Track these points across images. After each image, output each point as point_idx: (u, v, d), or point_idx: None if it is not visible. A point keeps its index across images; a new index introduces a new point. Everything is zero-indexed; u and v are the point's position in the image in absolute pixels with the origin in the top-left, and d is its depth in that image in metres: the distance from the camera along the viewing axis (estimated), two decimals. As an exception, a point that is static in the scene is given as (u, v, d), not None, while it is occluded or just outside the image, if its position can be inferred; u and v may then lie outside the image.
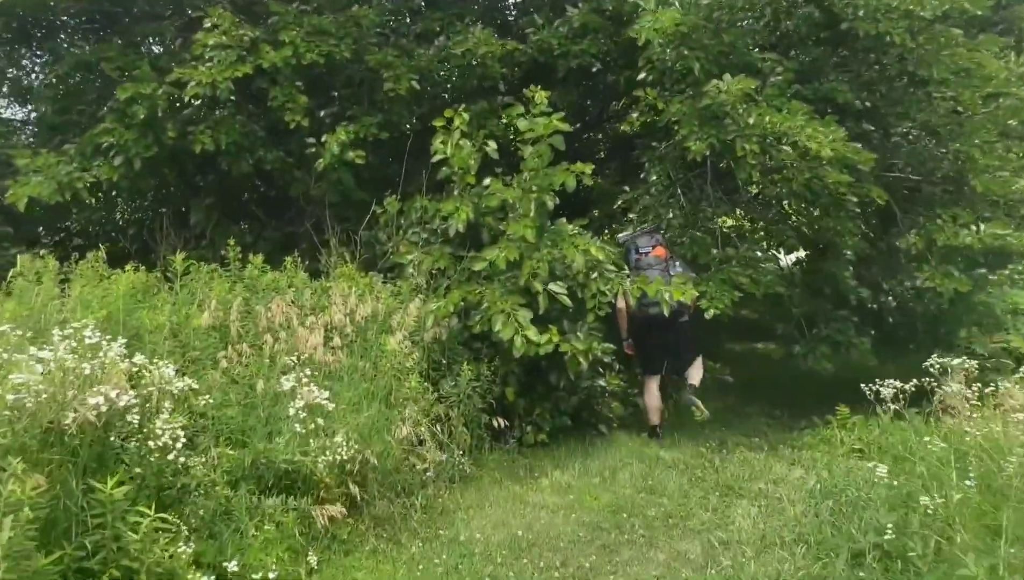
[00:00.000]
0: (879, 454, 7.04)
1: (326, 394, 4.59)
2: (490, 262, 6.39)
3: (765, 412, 9.61)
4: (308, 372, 4.68)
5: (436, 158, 7.06)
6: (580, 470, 6.57)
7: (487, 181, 7.02)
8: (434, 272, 7.11)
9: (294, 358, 5.09)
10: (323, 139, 8.27)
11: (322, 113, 9.45)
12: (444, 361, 6.63)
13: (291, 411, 4.43)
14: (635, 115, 8.03)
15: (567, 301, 6.31)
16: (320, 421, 4.36)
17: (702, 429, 8.57)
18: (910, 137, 8.20)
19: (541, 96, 6.57)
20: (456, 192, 7.31)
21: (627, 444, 7.63)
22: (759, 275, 7.33)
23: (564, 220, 7.24)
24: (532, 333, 5.95)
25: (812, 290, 8.85)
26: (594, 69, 9.49)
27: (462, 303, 6.51)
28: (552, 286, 6.38)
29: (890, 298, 9.90)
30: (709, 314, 6.81)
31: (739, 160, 6.73)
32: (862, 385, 8.51)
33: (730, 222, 8.27)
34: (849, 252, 8.30)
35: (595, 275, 6.65)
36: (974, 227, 7.28)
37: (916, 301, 8.67)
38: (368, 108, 8.91)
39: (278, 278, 7.07)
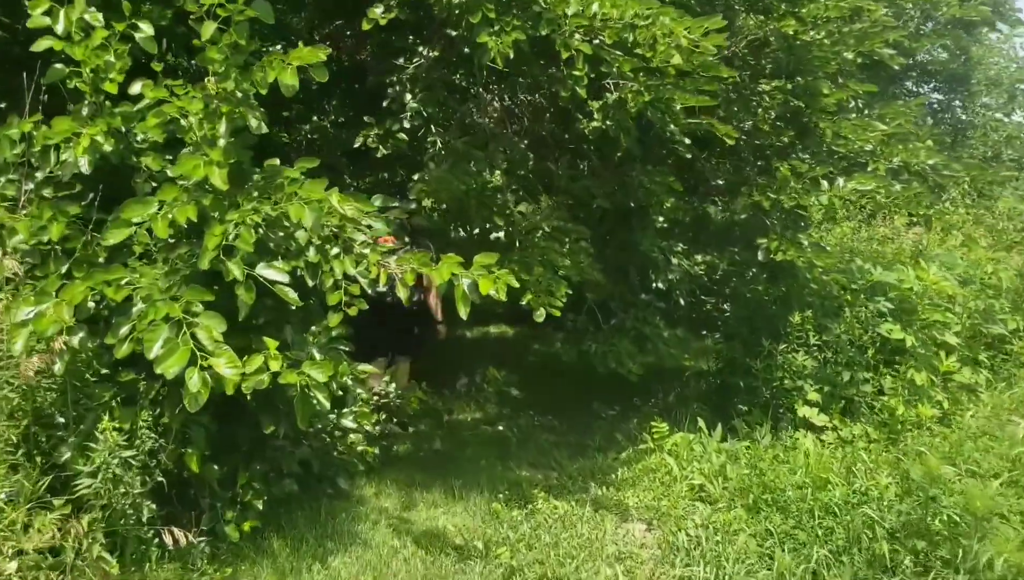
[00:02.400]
0: (733, 494, 5.29)
1: None
2: (139, 227, 3.60)
3: (541, 424, 7.68)
4: None
5: (42, 45, 4.04)
6: (324, 582, 4.03)
7: (137, 86, 4.15)
8: (43, 247, 4.09)
9: None
10: None
11: None
12: (61, 417, 3.72)
13: None
14: (380, 8, 5.48)
15: (292, 296, 3.70)
16: None
17: (479, 461, 6.39)
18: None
19: (237, -69, 3.84)
20: (86, 111, 4.33)
21: (384, 507, 5.25)
22: (573, 256, 5.22)
23: (277, 161, 4.55)
24: (225, 362, 3.30)
25: (610, 267, 6.96)
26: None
27: (92, 305, 3.62)
28: (264, 270, 3.72)
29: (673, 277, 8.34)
30: (540, 315, 4.57)
31: (563, 69, 4.49)
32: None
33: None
34: (661, 218, 6.47)
35: (336, 250, 4.07)
36: (825, 183, 5.70)
37: (736, 279, 7.09)
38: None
39: None
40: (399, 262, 4.16)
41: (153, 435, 3.80)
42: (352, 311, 3.98)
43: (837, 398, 6.19)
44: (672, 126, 5.61)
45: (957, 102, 19.53)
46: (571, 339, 6.98)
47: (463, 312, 3.78)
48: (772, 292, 6.82)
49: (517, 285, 3.85)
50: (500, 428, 7.35)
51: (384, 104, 6.12)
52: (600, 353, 6.49)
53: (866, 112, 6.78)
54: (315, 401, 3.73)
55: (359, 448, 5.25)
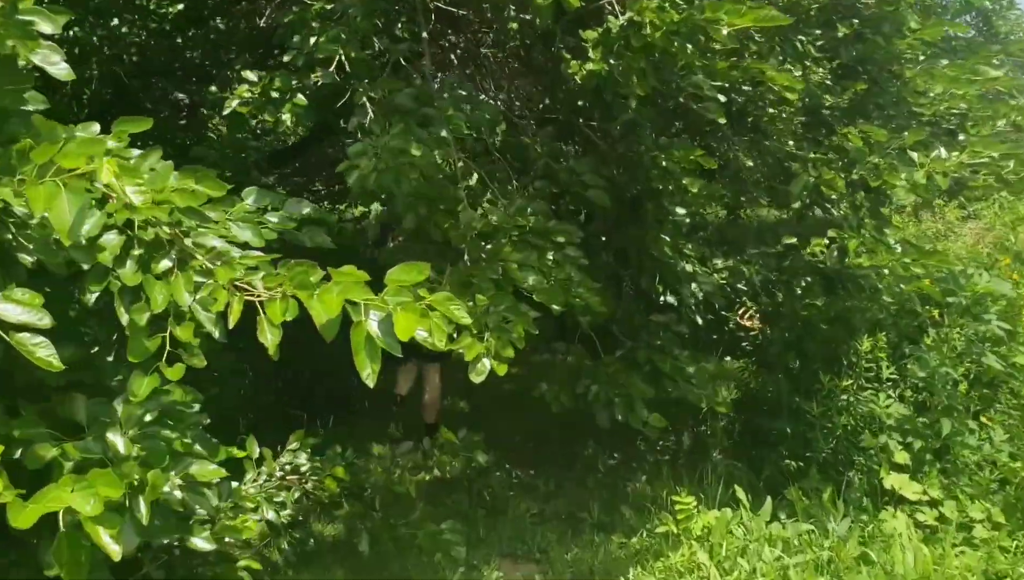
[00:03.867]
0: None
1: None
2: None
3: (519, 483, 6.16)
4: None
5: None
6: None
7: None
8: None
9: None
10: None
11: None
12: None
13: None
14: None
15: (44, 357, 2.07)
16: None
17: (434, 553, 4.76)
18: None
19: None
20: None
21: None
22: (557, 269, 3.67)
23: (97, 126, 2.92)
24: None
25: (607, 279, 5.39)
26: None
27: None
28: None
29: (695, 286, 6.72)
30: (481, 374, 3.03)
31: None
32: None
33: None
34: (682, 210, 4.89)
35: (167, 263, 2.50)
36: (914, 154, 4.14)
37: (782, 290, 5.52)
38: None
39: None
40: (270, 281, 2.53)
41: None
42: (172, 373, 2.36)
43: (930, 457, 4.62)
44: (698, 76, 4.03)
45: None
46: (559, 376, 5.32)
47: (368, 374, 2.14)
48: (832, 308, 5.22)
49: (467, 321, 2.24)
50: (464, 495, 5.75)
51: (286, 59, 4.47)
52: (603, 397, 4.86)
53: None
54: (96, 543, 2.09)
55: (242, 563, 3.60)
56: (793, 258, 5.41)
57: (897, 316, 5.07)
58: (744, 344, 6.91)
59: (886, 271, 4.22)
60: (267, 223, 3.10)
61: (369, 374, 2.10)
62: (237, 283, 2.58)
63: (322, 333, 2.15)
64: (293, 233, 3.23)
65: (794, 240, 5.88)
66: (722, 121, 4.29)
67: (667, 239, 5.10)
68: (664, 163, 4.57)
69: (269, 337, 2.42)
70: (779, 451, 5.42)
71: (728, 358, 7.14)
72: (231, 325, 2.47)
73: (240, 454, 3.56)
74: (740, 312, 7.22)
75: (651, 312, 5.76)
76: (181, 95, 8.42)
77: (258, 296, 2.53)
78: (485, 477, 5.93)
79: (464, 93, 4.02)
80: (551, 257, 4.00)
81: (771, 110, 5.38)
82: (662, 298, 6.08)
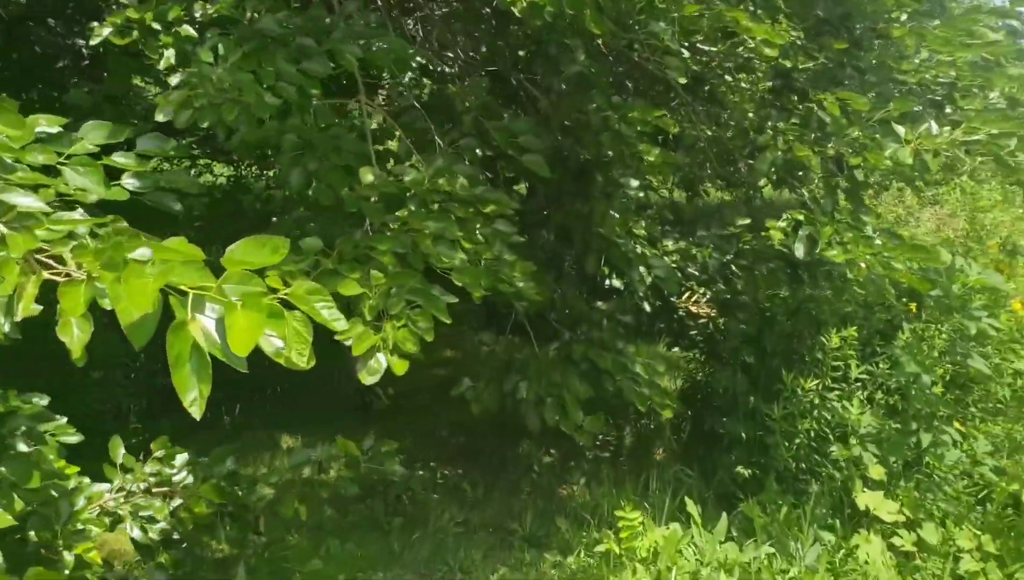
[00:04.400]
0: None
1: None
2: None
3: (443, 485, 5.61)
4: None
5: None
6: None
7: None
8: None
9: None
10: None
11: None
12: None
13: None
14: None
15: None
16: None
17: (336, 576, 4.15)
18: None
19: None
20: None
21: None
22: (484, 247, 3.07)
23: None
24: None
25: (547, 259, 4.82)
26: None
27: None
28: None
29: (643, 270, 6.15)
30: (374, 373, 2.41)
31: None
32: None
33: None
34: (634, 183, 4.32)
35: None
36: (900, 129, 3.61)
37: (741, 277, 4.99)
38: None
39: None
40: (81, 256, 1.87)
41: None
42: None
43: (904, 470, 4.14)
44: (660, 24, 3.43)
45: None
46: (486, 371, 4.70)
47: (194, 399, 1.49)
48: (796, 298, 4.71)
49: (341, 326, 1.60)
50: (379, 500, 5.10)
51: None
52: (533, 398, 4.26)
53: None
54: None
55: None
56: (755, 241, 4.87)
57: (868, 309, 4.57)
58: (693, 333, 6.39)
59: (863, 265, 3.70)
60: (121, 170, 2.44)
61: (195, 400, 1.45)
62: (40, 257, 1.92)
63: (128, 337, 1.48)
64: (156, 194, 2.58)
65: (749, 221, 5.39)
66: (682, 81, 3.71)
67: (616, 216, 4.51)
68: (617, 126, 3.97)
69: (76, 332, 1.75)
70: (732, 455, 4.91)
71: (676, 348, 6.65)
72: (20, 314, 1.81)
73: (72, 469, 2.88)
74: (688, 297, 6.72)
75: (594, 297, 5.21)
76: (81, 41, 7.59)
77: (66, 275, 1.87)
78: (404, 479, 5.31)
79: (364, 25, 3.33)
80: (479, 232, 3.37)
81: (728, 78, 4.84)
82: (607, 282, 5.52)
